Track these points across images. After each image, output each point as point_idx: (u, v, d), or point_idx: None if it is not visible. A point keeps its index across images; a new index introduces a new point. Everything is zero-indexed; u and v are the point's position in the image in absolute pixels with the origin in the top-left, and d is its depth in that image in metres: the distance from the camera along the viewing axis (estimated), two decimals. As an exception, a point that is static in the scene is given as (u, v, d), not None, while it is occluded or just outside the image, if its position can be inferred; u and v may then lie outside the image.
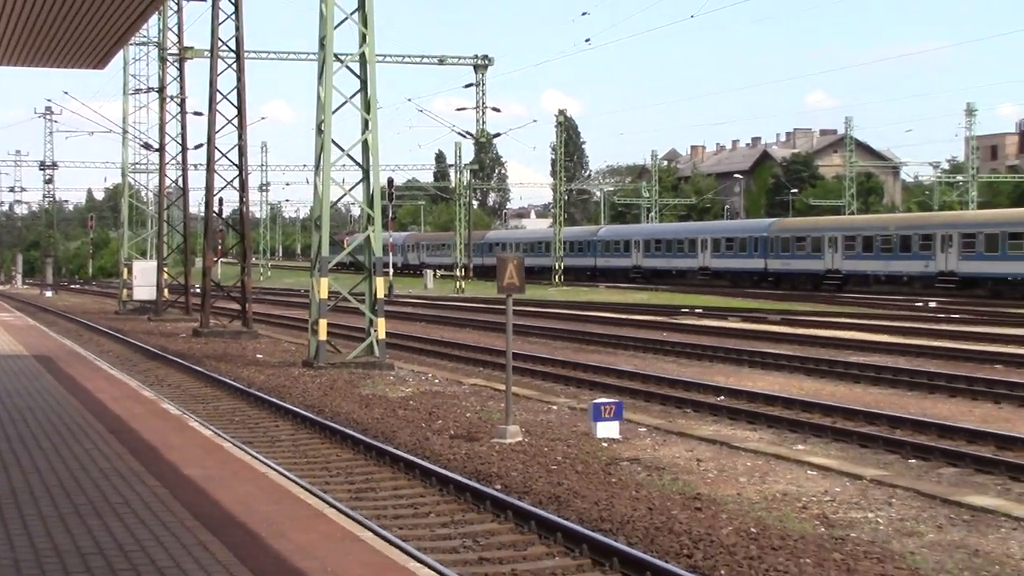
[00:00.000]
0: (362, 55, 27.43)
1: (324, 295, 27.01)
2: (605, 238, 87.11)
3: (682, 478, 14.11)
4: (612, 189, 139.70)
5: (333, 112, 27.29)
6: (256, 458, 13.98)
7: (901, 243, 60.09)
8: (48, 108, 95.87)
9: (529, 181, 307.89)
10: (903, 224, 62.62)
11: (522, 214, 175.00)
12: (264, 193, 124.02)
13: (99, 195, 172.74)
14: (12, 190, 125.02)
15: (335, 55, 27.28)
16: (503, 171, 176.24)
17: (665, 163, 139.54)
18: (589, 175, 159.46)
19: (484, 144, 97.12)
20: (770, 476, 14.23)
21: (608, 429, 17.10)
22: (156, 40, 56.27)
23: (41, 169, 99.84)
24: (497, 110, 65.96)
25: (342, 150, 27.95)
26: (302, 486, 12.68)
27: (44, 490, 10.08)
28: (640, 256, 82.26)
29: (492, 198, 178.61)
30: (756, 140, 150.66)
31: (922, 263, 58.51)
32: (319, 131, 27.32)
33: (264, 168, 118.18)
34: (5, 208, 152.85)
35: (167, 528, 8.74)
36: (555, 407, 20.53)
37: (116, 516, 9.11)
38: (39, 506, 9.45)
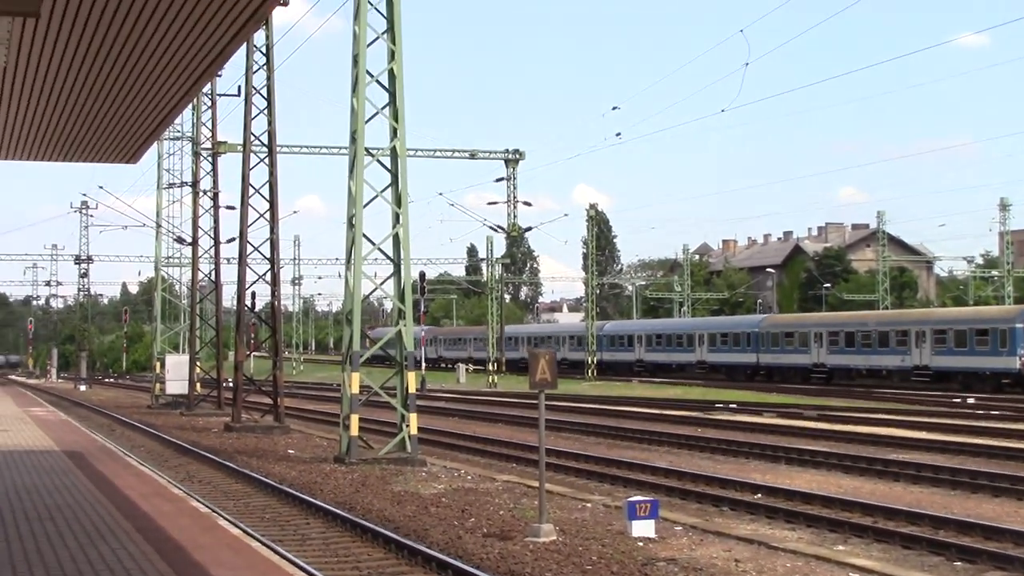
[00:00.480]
0: (393, 149, 27.52)
1: (356, 390, 26.83)
2: (610, 333, 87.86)
3: (720, 580, 13.75)
4: (644, 283, 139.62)
5: (364, 206, 27.30)
6: (285, 558, 13.73)
7: (879, 338, 62.62)
8: (84, 203, 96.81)
9: (561, 275, 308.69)
10: (882, 321, 65.34)
11: (554, 308, 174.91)
12: (297, 287, 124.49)
13: (133, 288, 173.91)
14: (48, 284, 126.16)
15: (366, 149, 27.36)
16: (535, 265, 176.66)
17: (697, 257, 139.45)
18: (621, 269, 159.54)
19: (516, 238, 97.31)
20: (811, 578, 13.85)
21: (644, 528, 16.75)
22: (190, 135, 56.90)
23: (76, 263, 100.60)
24: (528, 204, 66.38)
25: (373, 244, 27.92)
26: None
27: (65, 592, 9.86)
28: (643, 351, 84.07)
29: (524, 292, 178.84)
30: (788, 234, 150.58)
31: (899, 357, 61.24)
32: (350, 225, 27.32)
33: (297, 262, 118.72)
34: (41, 302, 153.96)
35: (192, 633, 8.49)
36: (589, 504, 20.19)
37: (140, 620, 8.88)
38: (62, 609, 9.23)
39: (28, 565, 11.08)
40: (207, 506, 18.00)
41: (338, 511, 19.33)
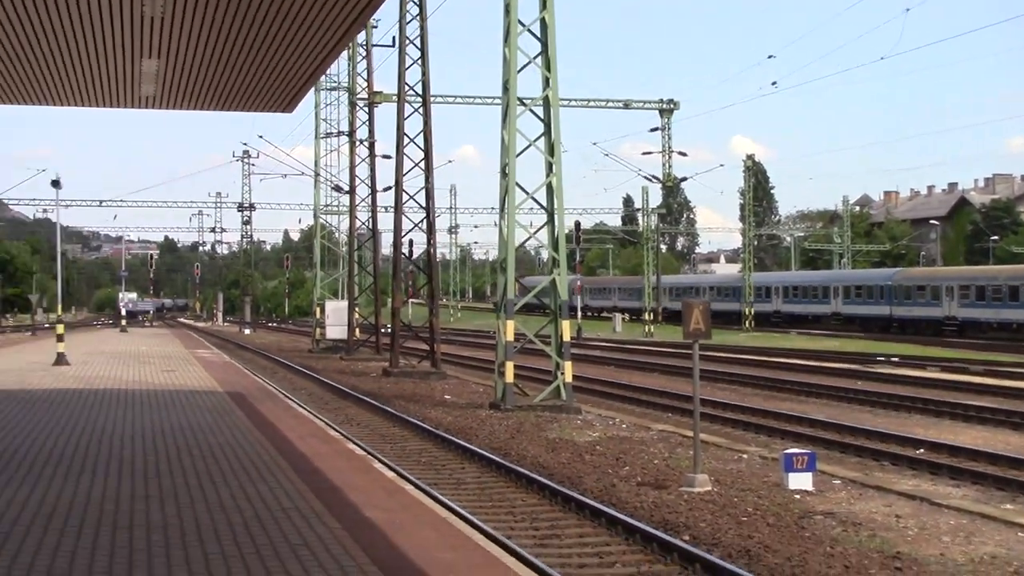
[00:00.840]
0: (545, 99, 27.35)
1: (510, 338, 26.89)
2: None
3: (880, 535, 13.42)
4: (803, 234, 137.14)
5: (517, 155, 27.26)
6: (438, 502, 13.82)
7: (1010, 292, 61.89)
8: (245, 152, 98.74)
9: (719, 226, 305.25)
10: (1012, 275, 64.17)
11: (711, 259, 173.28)
12: (453, 235, 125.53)
13: (295, 236, 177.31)
14: (213, 230, 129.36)
15: (519, 99, 27.26)
16: (692, 215, 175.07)
17: (857, 209, 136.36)
18: (779, 220, 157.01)
19: (672, 188, 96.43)
20: (976, 536, 13.41)
21: (801, 480, 16.45)
22: (346, 85, 57.50)
23: (239, 211, 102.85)
24: (683, 154, 65.56)
25: (527, 193, 27.85)
26: (485, 532, 12.45)
27: (227, 527, 10.03)
28: (780, 302, 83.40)
29: (681, 242, 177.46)
30: (953, 186, 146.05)
31: None
32: (503, 174, 27.31)
33: (453, 211, 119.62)
34: (207, 248, 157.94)
35: (344, 571, 8.56)
36: (745, 456, 19.92)
37: (295, 557, 8.98)
38: (221, 544, 9.39)
39: (191, 500, 11.33)
40: (363, 448, 18.23)
41: (493, 456, 19.42)
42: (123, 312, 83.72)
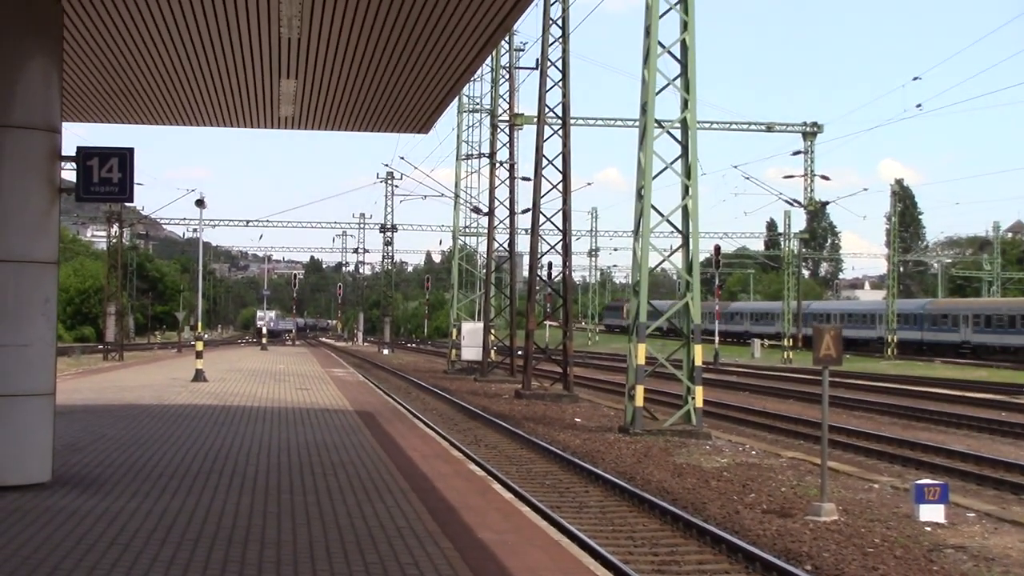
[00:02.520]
0: (683, 120, 27.17)
1: (641, 361, 26.70)
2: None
3: (1014, 571, 12.97)
4: (951, 261, 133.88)
5: (653, 178, 27.10)
6: (555, 524, 13.76)
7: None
8: (389, 173, 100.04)
9: (863, 251, 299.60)
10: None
11: (855, 284, 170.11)
12: (594, 258, 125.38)
13: (437, 258, 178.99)
14: (356, 251, 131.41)
15: (656, 121, 27.12)
16: (836, 240, 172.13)
17: (1010, 235, 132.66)
18: (926, 246, 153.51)
19: (816, 213, 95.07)
20: (1115, 576, 12.88)
21: (932, 512, 15.99)
22: (488, 108, 57.93)
23: (382, 232, 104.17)
24: (826, 178, 64.53)
25: (661, 215, 27.68)
26: (598, 555, 12.34)
27: (340, 546, 10.09)
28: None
29: (824, 268, 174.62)
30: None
31: None
32: (639, 196, 27.17)
33: (593, 233, 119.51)
34: (350, 268, 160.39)
35: (450, 593, 8.54)
36: (876, 485, 19.45)
37: (403, 577, 9.00)
38: (332, 562, 9.44)
39: (307, 517, 11.43)
40: (485, 469, 18.24)
41: (618, 480, 19.27)
42: (262, 330, 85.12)
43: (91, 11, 13.87)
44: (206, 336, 45.82)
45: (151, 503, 12.01)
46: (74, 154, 13.76)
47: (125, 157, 13.86)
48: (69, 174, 14.08)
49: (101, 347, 68.81)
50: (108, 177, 13.79)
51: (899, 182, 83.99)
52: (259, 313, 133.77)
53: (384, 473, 14.84)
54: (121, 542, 9.99)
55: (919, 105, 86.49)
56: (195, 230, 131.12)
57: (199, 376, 34.74)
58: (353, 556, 9.68)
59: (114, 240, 71.55)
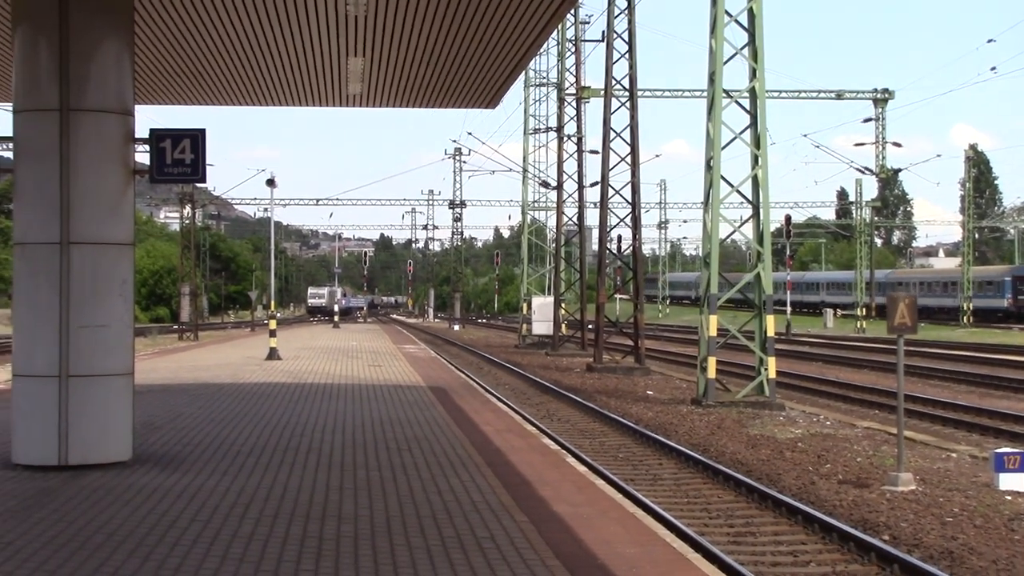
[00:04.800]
0: (752, 90, 26.95)
1: (713, 333, 26.58)
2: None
3: (1097, 540, 12.77)
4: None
5: (723, 148, 26.93)
6: (630, 497, 13.77)
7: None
8: (457, 149, 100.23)
9: (937, 218, 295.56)
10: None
11: (929, 252, 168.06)
12: (663, 231, 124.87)
13: (505, 232, 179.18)
14: (425, 228, 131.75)
15: (724, 91, 26.92)
16: (908, 208, 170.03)
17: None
18: (1002, 212, 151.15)
19: (888, 181, 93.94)
20: None
21: (1013, 481, 15.79)
22: (554, 81, 57.79)
23: (450, 207, 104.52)
24: (898, 145, 63.71)
25: (731, 186, 27.49)
26: (674, 527, 12.34)
27: (416, 519, 10.17)
28: None
29: (897, 236, 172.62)
30: None
31: None
32: (708, 167, 27.02)
33: (662, 205, 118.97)
34: (420, 245, 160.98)
35: (527, 566, 8.57)
36: (954, 455, 19.25)
37: (480, 550, 9.05)
38: (408, 536, 9.52)
39: (383, 492, 11.52)
40: (559, 443, 18.28)
41: (692, 453, 19.23)
42: (334, 308, 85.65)
43: (161, -7, 14.02)
44: (279, 315, 46.25)
45: (229, 480, 12.17)
46: (147, 136, 13.91)
47: (197, 138, 13.97)
48: (142, 156, 14.24)
49: (176, 327, 69.69)
50: (181, 158, 13.93)
51: (973, 147, 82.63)
52: (311, 290, 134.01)
53: (458, 448, 14.92)
54: (202, 518, 10.14)
55: (993, 68, 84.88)
56: (266, 210, 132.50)
57: (273, 354, 35.07)
58: (430, 530, 9.76)
59: (187, 221, 72.36)
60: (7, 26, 14.59)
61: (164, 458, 13.76)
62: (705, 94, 28.29)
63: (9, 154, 14.01)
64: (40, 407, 12.86)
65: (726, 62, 27.01)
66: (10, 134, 13.50)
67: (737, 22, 26.97)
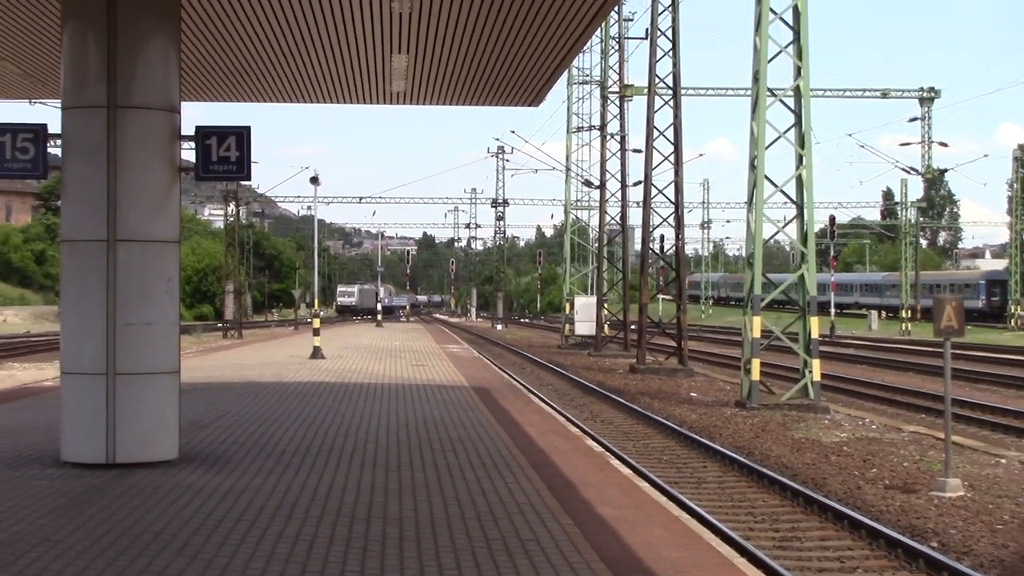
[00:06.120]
0: (796, 88, 26.76)
1: (756, 334, 26.42)
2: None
3: None
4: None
5: (766, 148, 26.77)
6: (675, 500, 13.69)
7: None
8: (499, 148, 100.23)
9: (983, 219, 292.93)
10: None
11: (976, 254, 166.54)
12: (706, 231, 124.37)
13: (548, 232, 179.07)
14: (468, 226, 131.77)
15: (768, 89, 26.76)
16: (955, 209, 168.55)
17: None
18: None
19: (933, 181, 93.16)
20: None
21: (1063, 488, 15.61)
22: (597, 79, 57.68)
23: (493, 206, 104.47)
24: (944, 145, 63.17)
25: (775, 186, 27.33)
26: (719, 531, 12.26)
27: (461, 521, 10.15)
28: None
29: (943, 237, 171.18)
30: None
31: None
32: (752, 167, 26.86)
33: (705, 205, 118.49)
34: (462, 244, 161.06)
35: (572, 570, 8.53)
36: (1003, 460, 19.02)
37: (524, 553, 9.01)
38: (453, 537, 9.50)
39: (427, 493, 11.51)
40: (602, 445, 18.20)
41: (736, 455, 19.12)
42: (377, 307, 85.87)
43: (207, -10, 14.07)
44: (322, 313, 46.42)
45: (275, 479, 12.19)
46: (192, 133, 13.96)
47: (242, 135, 14.01)
48: (187, 153, 14.28)
49: (220, 325, 70.05)
50: (226, 156, 13.97)
51: (1021, 147, 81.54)
52: (340, 288, 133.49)
53: (502, 449, 14.89)
54: (248, 518, 10.16)
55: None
56: (309, 207, 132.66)
57: (317, 353, 35.17)
58: (475, 532, 9.73)
59: (231, 219, 72.72)
60: (56, 24, 14.67)
61: (210, 457, 13.81)
62: (749, 93, 28.13)
63: (57, 151, 14.02)
64: (88, 405, 12.94)
65: (770, 60, 26.86)
66: (59, 131, 13.57)
67: (782, 20, 26.81)
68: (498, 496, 11.44)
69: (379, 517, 10.30)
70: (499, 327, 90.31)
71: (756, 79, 26.84)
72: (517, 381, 30.11)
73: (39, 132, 13.77)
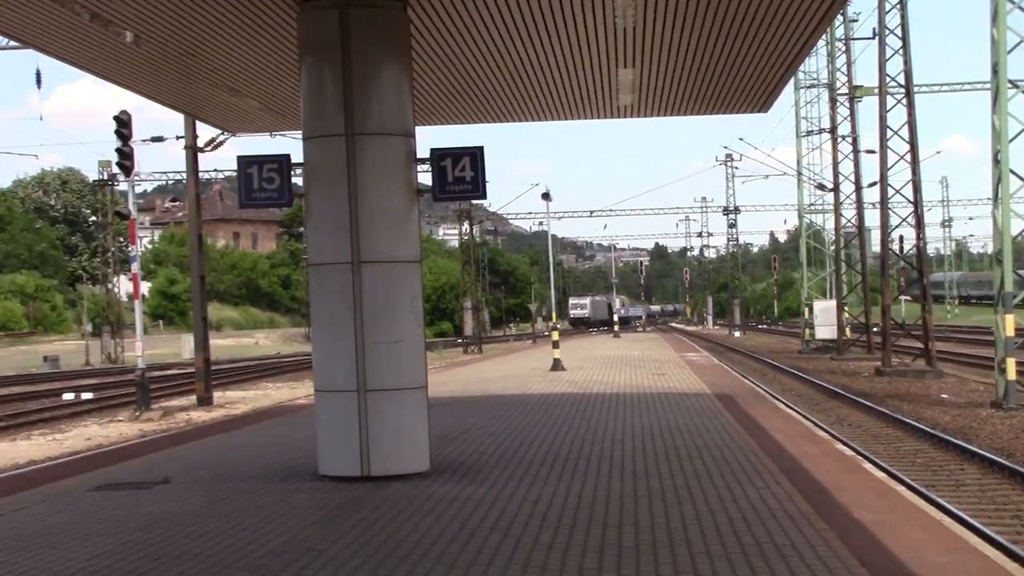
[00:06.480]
0: (1039, 78, 25.70)
1: (1010, 332, 25.40)
2: None
3: None
4: None
5: (1010, 141, 25.74)
6: (933, 503, 13.25)
7: None
8: (728, 155, 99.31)
9: None
10: None
11: None
12: (946, 229, 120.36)
13: (781, 237, 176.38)
14: (700, 235, 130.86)
15: (1010, 81, 25.75)
16: None
17: None
18: None
19: None
20: None
21: None
22: (825, 82, 56.61)
23: (724, 214, 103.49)
24: None
25: (1022, 180, 26.23)
26: (986, 536, 11.82)
27: (713, 527, 10.05)
28: None
29: None
30: None
31: None
32: (995, 161, 25.86)
33: (945, 203, 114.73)
34: (695, 252, 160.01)
35: (831, 572, 8.35)
36: None
37: (780, 558, 8.86)
38: (707, 544, 9.41)
39: (678, 500, 11.44)
40: (853, 449, 17.77)
41: (995, 457, 18.42)
42: (614, 318, 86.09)
43: (435, 16, 14.38)
44: (559, 326, 46.82)
45: (525, 489, 12.32)
46: (427, 156, 14.25)
47: (476, 156, 14.24)
48: (423, 176, 14.59)
49: (460, 341, 71.32)
50: (461, 176, 14.21)
51: None
52: (572, 300, 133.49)
53: (750, 455, 14.69)
54: (501, 527, 10.29)
55: None
56: (541, 223, 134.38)
57: (557, 365, 35.44)
58: (728, 538, 9.62)
59: (465, 237, 73.99)
60: (293, 60, 15.23)
61: (460, 468, 14.06)
62: (988, 86, 27.14)
63: (298, 180, 14.54)
64: (341, 421, 13.35)
65: (1010, 51, 25.88)
66: (301, 160, 14.06)
67: (1021, 8, 25.79)
68: (749, 502, 11.28)
69: (631, 524, 10.29)
70: (737, 334, 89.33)
71: (995, 71, 25.88)
72: (759, 387, 29.69)
73: (283, 162, 14.29)
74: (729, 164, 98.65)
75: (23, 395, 40.17)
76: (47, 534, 10.70)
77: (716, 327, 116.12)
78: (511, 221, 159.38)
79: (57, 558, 9.57)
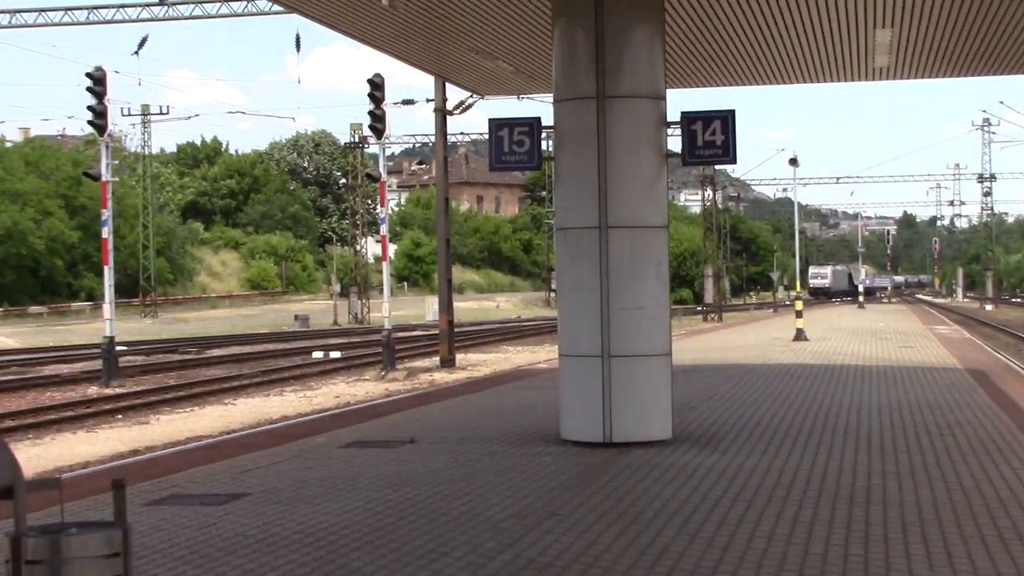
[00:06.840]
0: None
1: None
2: None
3: None
4: None
5: None
6: None
7: None
8: (985, 120, 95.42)
9: None
10: None
11: None
12: None
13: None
14: (951, 204, 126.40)
15: None
16: None
17: None
18: None
19: None
20: None
21: None
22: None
23: (979, 181, 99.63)
24: None
25: None
26: None
27: (967, 508, 9.70)
28: None
29: None
30: None
31: None
32: None
33: None
34: (945, 222, 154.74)
35: (1097, 562, 7.96)
36: None
37: (1040, 543, 8.49)
38: (960, 524, 9.09)
39: (927, 477, 11.10)
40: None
41: None
42: (858, 288, 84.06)
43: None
44: (804, 295, 46.03)
45: (768, 460, 12.16)
46: (677, 120, 14.12)
47: (727, 119, 14.06)
48: (671, 139, 14.47)
49: (700, 309, 70.82)
50: (711, 140, 14.06)
51: None
52: (812, 269, 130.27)
53: (1005, 433, 14.12)
54: (744, 498, 10.18)
55: None
56: (785, 190, 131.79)
57: (800, 335, 34.84)
58: (982, 519, 9.27)
59: (707, 203, 73.28)
60: (546, 23, 15.29)
61: (702, 437, 13.97)
62: None
63: (546, 143, 14.67)
64: (585, 386, 13.42)
65: None
66: (551, 123, 14.13)
67: None
68: (1005, 482, 10.85)
69: (878, 501, 10.03)
70: (988, 307, 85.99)
71: None
72: (1015, 364, 28.50)
73: (533, 125, 14.41)
74: (986, 129, 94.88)
75: (276, 352, 41.84)
76: (302, 488, 11.10)
77: (966, 300, 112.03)
78: (754, 187, 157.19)
79: (312, 511, 9.93)
